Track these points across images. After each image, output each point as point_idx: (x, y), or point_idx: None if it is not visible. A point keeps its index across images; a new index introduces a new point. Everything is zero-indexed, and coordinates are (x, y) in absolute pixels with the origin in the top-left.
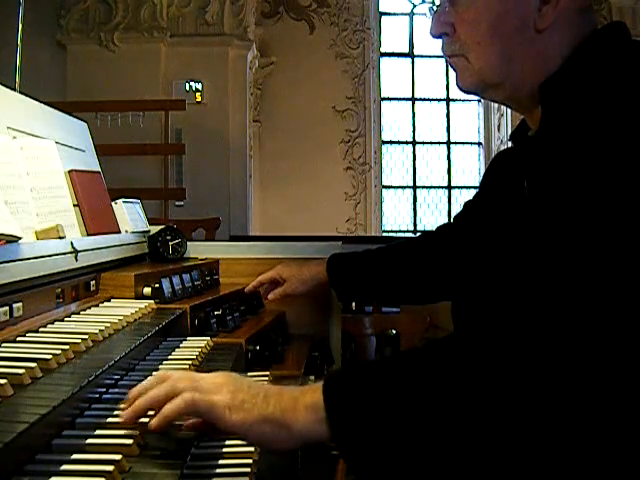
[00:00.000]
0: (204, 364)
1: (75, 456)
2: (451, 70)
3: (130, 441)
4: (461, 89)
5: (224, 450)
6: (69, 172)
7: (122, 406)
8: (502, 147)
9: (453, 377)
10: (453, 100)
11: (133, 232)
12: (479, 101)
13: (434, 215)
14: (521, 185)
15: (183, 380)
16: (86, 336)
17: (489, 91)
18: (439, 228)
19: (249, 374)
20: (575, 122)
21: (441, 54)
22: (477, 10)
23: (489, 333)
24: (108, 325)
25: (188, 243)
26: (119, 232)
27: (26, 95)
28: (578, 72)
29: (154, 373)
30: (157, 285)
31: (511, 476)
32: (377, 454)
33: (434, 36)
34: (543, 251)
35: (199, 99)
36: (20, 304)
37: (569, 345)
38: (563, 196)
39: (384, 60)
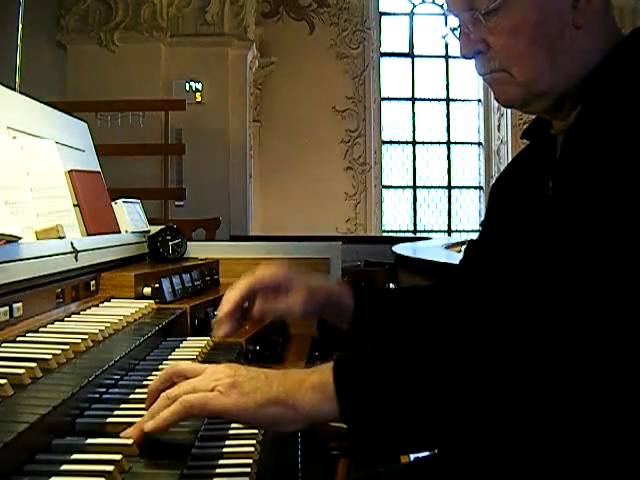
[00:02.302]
0: (204, 364)
1: (75, 456)
2: (451, 70)
3: (130, 441)
4: (501, 103)
5: (224, 450)
6: (69, 172)
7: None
8: (502, 147)
9: (459, 365)
10: (453, 100)
11: (133, 232)
12: (479, 101)
13: (434, 215)
14: (543, 185)
15: (181, 386)
16: (86, 336)
17: (535, 102)
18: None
19: None
20: (619, 121)
21: (441, 54)
22: (513, 21)
23: (498, 323)
24: (108, 325)
25: (188, 243)
26: (119, 232)
27: (26, 95)
28: (624, 68)
29: (154, 373)
30: (157, 285)
31: (508, 461)
32: (385, 431)
33: (467, 57)
34: (572, 255)
35: (199, 99)
36: (20, 304)
37: (579, 345)
38: (600, 198)
39: (384, 60)
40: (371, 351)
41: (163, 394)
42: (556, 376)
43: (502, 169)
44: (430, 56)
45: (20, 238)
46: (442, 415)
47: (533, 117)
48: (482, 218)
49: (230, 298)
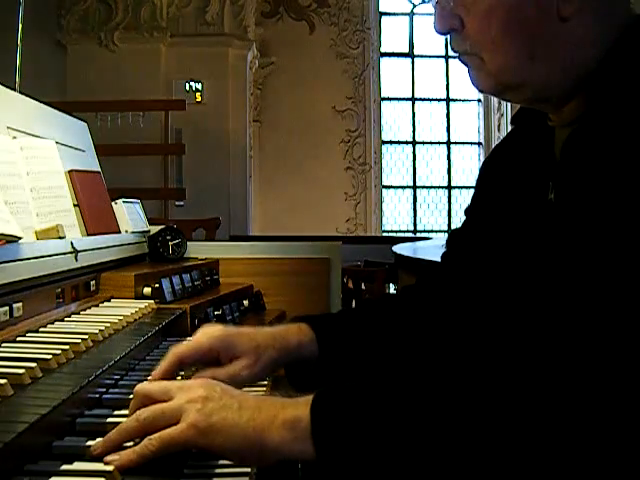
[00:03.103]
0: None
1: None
2: (451, 70)
3: (130, 443)
4: (479, 90)
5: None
6: (69, 172)
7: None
8: None
9: (451, 400)
10: (453, 100)
11: (133, 232)
12: (479, 101)
13: (434, 215)
14: (542, 184)
15: (151, 408)
16: (86, 336)
17: (509, 93)
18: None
19: None
20: (630, 123)
21: (441, 54)
22: (488, 3)
23: (488, 344)
24: (108, 325)
25: (188, 243)
26: (119, 232)
27: (26, 95)
28: (632, 62)
29: (153, 373)
30: (157, 285)
31: None
32: (366, 476)
33: (439, 32)
34: (578, 265)
35: (199, 99)
36: (20, 304)
37: (582, 358)
38: (609, 210)
39: (384, 60)
40: (352, 389)
41: (134, 415)
42: (555, 403)
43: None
44: (430, 56)
45: (20, 238)
46: (434, 461)
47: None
48: None
49: (158, 370)
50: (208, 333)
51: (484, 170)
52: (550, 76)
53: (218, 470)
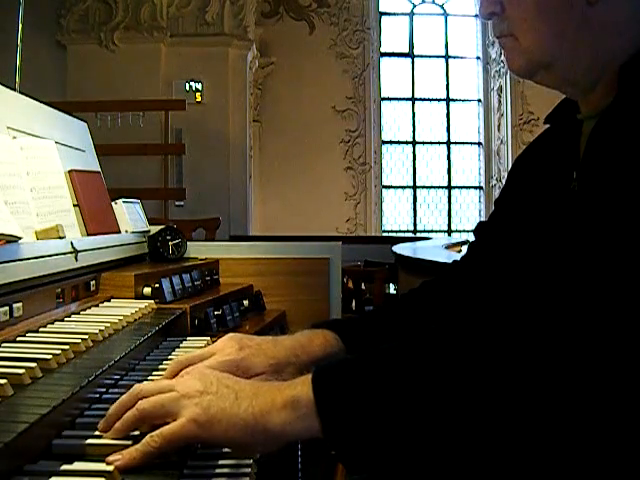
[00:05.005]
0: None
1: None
2: (451, 70)
3: (129, 442)
4: (512, 72)
5: (224, 450)
6: (69, 172)
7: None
8: (502, 147)
9: (452, 370)
10: (453, 100)
11: (133, 232)
12: (479, 101)
13: (434, 215)
14: (567, 175)
15: (150, 400)
16: (86, 336)
17: (541, 73)
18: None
19: None
20: None
21: (441, 54)
22: None
23: (491, 326)
24: (108, 325)
25: (188, 243)
26: (119, 232)
27: (26, 95)
28: None
29: (154, 373)
30: (157, 285)
31: (506, 471)
32: (374, 449)
33: (483, 17)
34: (594, 255)
35: (199, 99)
36: (20, 304)
37: (596, 349)
38: (629, 201)
39: (384, 60)
40: (351, 360)
41: (133, 408)
42: (561, 390)
43: (502, 168)
44: (430, 56)
45: (20, 238)
46: (438, 429)
47: (539, 120)
48: (482, 218)
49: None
50: (224, 352)
51: (515, 165)
52: (578, 58)
53: (218, 470)
